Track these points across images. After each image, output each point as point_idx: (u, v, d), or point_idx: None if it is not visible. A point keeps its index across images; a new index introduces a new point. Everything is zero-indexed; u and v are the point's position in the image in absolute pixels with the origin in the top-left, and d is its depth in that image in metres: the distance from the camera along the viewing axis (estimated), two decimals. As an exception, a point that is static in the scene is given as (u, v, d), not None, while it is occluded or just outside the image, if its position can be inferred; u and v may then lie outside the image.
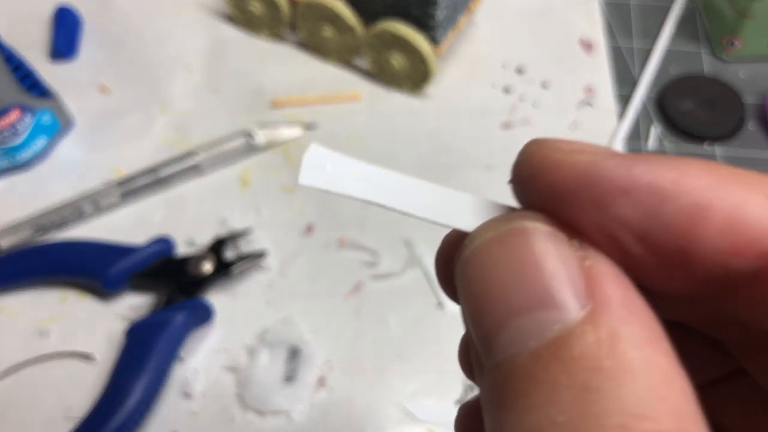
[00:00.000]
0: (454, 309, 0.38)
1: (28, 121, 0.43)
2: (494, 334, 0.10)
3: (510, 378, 0.10)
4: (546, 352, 0.10)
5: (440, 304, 0.39)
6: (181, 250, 0.41)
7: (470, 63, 0.49)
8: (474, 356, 0.11)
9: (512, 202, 0.13)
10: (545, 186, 0.11)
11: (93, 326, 0.38)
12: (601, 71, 0.48)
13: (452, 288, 0.12)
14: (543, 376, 0.10)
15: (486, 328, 0.10)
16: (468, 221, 0.12)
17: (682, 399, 0.09)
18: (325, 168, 0.13)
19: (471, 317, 0.11)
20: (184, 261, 0.39)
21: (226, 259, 0.39)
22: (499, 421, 0.10)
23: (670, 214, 0.10)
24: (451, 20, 0.46)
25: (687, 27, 0.51)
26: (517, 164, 0.12)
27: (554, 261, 0.10)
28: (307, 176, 0.12)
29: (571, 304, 0.10)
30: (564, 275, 0.10)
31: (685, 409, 0.09)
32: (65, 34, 0.50)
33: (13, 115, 0.42)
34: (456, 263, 0.11)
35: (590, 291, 0.10)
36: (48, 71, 0.48)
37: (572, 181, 0.11)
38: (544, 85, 0.48)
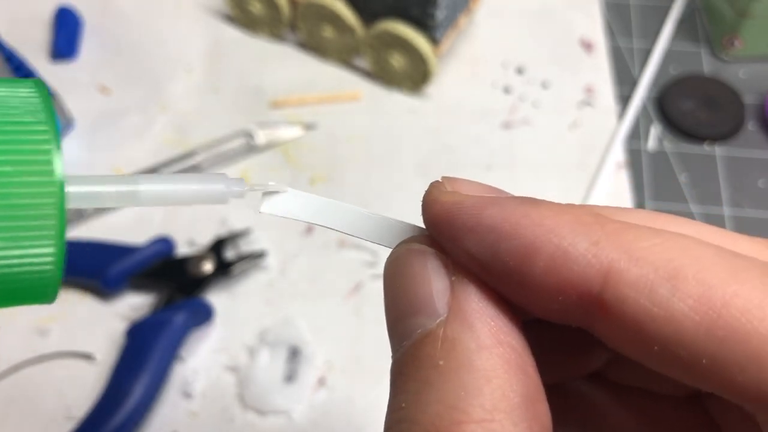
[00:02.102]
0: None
1: (29, 121, 0.43)
2: (390, 335, 0.13)
3: (393, 369, 0.13)
4: (411, 350, 0.12)
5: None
6: (182, 250, 0.41)
7: (470, 63, 0.49)
8: None
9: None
10: (427, 218, 0.14)
11: (93, 326, 0.39)
12: (601, 71, 0.48)
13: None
14: (405, 370, 0.12)
15: (390, 323, 0.13)
16: (388, 240, 0.15)
17: (499, 396, 0.11)
18: (280, 200, 0.16)
19: (385, 311, 0.14)
20: (185, 261, 0.39)
21: (226, 259, 0.39)
22: (390, 390, 0.13)
23: (504, 252, 0.12)
24: (451, 20, 0.46)
25: (687, 27, 0.51)
26: (423, 197, 0.14)
27: (425, 277, 0.13)
28: (266, 207, 0.16)
29: (432, 313, 0.13)
30: (431, 289, 0.13)
31: (501, 404, 0.11)
32: (66, 34, 0.50)
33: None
34: (384, 268, 0.14)
35: (449, 303, 0.13)
36: (48, 71, 0.48)
37: (439, 217, 0.13)
38: (544, 85, 0.48)
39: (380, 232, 0.15)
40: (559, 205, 0.13)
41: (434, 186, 0.14)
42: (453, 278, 0.13)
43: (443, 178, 0.14)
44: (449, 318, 0.12)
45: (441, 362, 0.12)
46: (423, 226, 0.14)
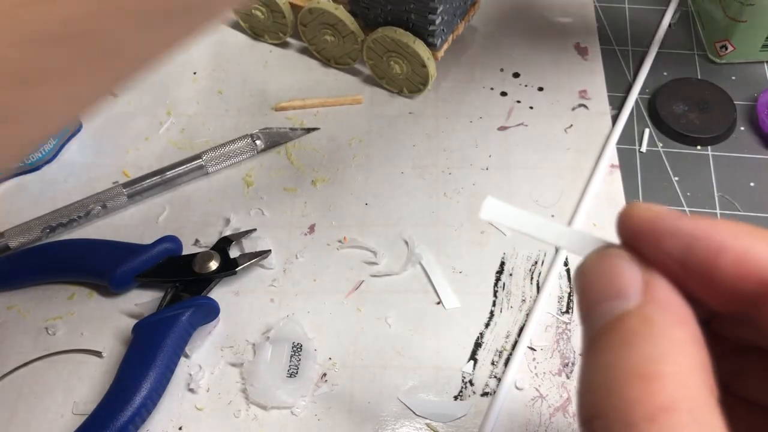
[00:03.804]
0: (452, 306, 0.39)
1: (37, 124, 0.44)
2: (587, 317, 0.17)
3: (592, 339, 0.16)
4: (612, 324, 0.16)
5: (439, 302, 0.39)
6: (187, 249, 0.42)
7: (468, 67, 0.50)
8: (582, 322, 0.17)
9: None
10: (629, 225, 0.17)
11: (101, 323, 0.39)
12: (595, 75, 0.49)
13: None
14: (605, 337, 0.16)
15: (585, 310, 0.17)
16: (584, 249, 0.19)
17: (689, 359, 0.15)
18: (498, 210, 0.20)
19: (579, 303, 0.17)
20: (190, 260, 0.40)
21: (230, 258, 0.40)
22: (585, 359, 0.16)
23: (700, 249, 0.16)
24: (450, 26, 0.47)
25: (680, 31, 0.52)
26: (619, 215, 0.18)
27: (623, 271, 0.17)
28: (485, 214, 0.20)
29: (630, 298, 0.16)
30: (629, 280, 0.16)
31: (691, 364, 0.15)
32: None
33: (23, 119, 0.43)
34: (575, 272, 0.18)
35: (644, 292, 0.16)
36: (56, 75, 0.49)
37: (643, 224, 0.17)
38: (541, 89, 0.49)
39: (576, 243, 0.19)
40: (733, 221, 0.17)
41: (632, 204, 0.18)
42: (647, 273, 0.16)
43: (636, 203, 0.18)
44: (645, 301, 0.16)
45: (641, 329, 0.15)
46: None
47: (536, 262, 0.41)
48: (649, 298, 0.16)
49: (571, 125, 0.47)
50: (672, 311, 0.15)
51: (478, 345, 0.38)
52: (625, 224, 0.17)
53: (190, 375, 0.37)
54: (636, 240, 0.17)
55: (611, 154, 0.45)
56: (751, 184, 0.44)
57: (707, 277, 0.16)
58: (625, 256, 0.17)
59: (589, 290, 0.17)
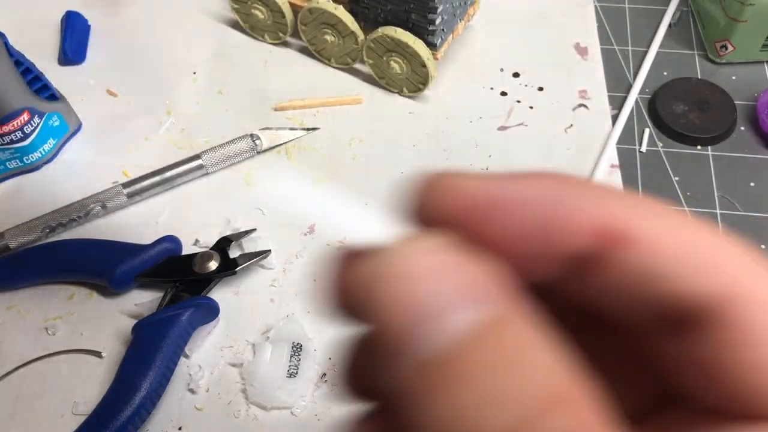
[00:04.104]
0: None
1: (37, 123, 0.44)
2: (409, 340, 0.11)
3: (426, 371, 0.11)
4: (456, 346, 0.11)
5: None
6: (187, 249, 0.42)
7: (468, 67, 0.50)
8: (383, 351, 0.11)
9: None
10: (448, 208, 0.12)
11: (100, 323, 0.39)
12: (595, 74, 0.49)
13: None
14: (455, 363, 0.11)
15: (402, 334, 0.11)
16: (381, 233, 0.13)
17: (561, 362, 0.11)
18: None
19: (383, 325, 0.11)
20: (190, 260, 0.40)
21: (230, 258, 0.40)
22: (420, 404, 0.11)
23: (534, 214, 0.12)
24: (450, 25, 0.47)
25: (680, 31, 0.52)
26: (425, 191, 0.13)
27: (451, 271, 0.11)
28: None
29: (469, 303, 0.11)
30: (461, 281, 0.11)
31: (564, 369, 0.11)
32: (74, 38, 0.51)
33: (22, 118, 0.43)
34: (358, 279, 0.12)
35: (484, 291, 0.11)
36: (57, 75, 0.49)
37: (469, 202, 0.12)
38: (541, 89, 0.49)
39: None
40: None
41: (438, 177, 0.13)
42: (481, 267, 0.11)
43: (437, 175, 0.13)
44: (490, 305, 0.11)
45: (502, 345, 0.10)
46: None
47: (536, 262, 0.41)
48: (494, 300, 0.11)
49: (571, 125, 0.47)
50: (523, 311, 0.11)
51: (478, 345, 0.38)
52: (441, 204, 0.12)
53: (190, 375, 0.37)
54: (460, 220, 0.12)
55: (611, 154, 0.45)
56: (752, 184, 0.44)
57: (541, 238, 0.12)
58: (447, 246, 0.11)
59: (409, 299, 0.11)
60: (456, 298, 0.11)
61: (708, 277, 0.11)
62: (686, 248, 0.11)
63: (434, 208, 0.12)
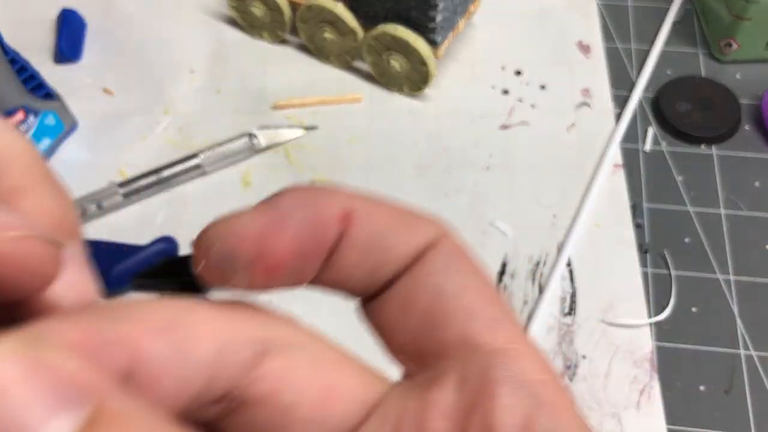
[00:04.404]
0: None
1: (32, 122, 0.44)
2: None
3: None
4: None
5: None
6: (184, 249, 0.41)
7: (469, 65, 0.50)
8: None
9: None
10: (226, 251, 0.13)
11: (96, 325, 0.39)
12: (598, 73, 0.49)
13: None
14: None
15: None
16: None
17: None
18: None
19: None
20: (187, 260, 0.39)
21: (227, 259, 0.40)
22: None
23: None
24: (451, 23, 0.46)
25: (684, 29, 0.52)
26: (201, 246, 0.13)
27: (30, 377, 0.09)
28: None
29: (73, 405, 0.09)
30: (53, 383, 0.09)
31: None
32: (69, 36, 0.51)
33: (17, 117, 0.43)
34: None
35: (83, 388, 0.10)
36: (52, 73, 0.49)
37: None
38: (543, 87, 0.48)
39: None
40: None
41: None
42: (74, 361, 0.10)
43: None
44: (87, 402, 0.09)
45: None
46: None
47: (538, 263, 0.40)
48: (98, 396, 0.09)
49: (574, 124, 0.47)
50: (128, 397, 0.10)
51: (479, 347, 0.37)
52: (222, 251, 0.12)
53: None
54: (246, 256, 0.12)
55: (614, 154, 0.45)
56: (756, 183, 0.44)
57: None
58: (39, 343, 0.10)
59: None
60: (47, 406, 0.09)
61: (409, 234, 0.14)
62: (391, 216, 0.14)
63: (217, 259, 0.13)
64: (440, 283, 0.13)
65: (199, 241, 0.13)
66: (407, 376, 0.14)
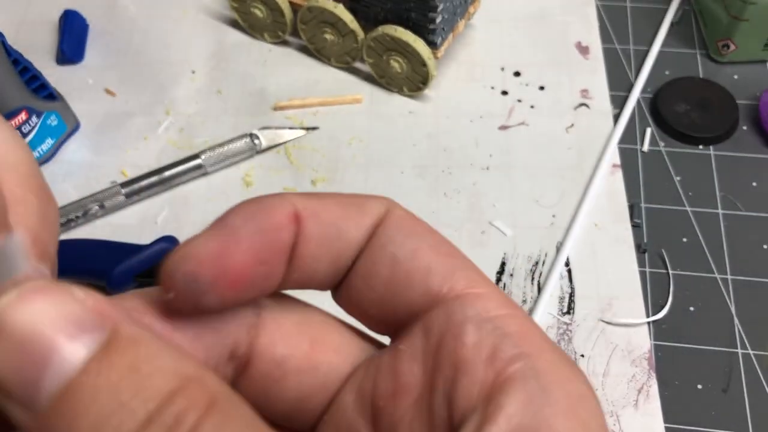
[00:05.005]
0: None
1: (35, 123, 0.44)
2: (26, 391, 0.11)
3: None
4: (87, 371, 0.11)
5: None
6: (185, 249, 0.41)
7: (469, 66, 0.50)
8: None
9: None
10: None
11: (99, 324, 0.39)
12: (597, 74, 0.49)
13: None
14: (97, 375, 0.11)
15: (12, 392, 0.11)
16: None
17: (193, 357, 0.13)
18: None
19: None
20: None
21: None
22: None
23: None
24: (450, 25, 0.47)
25: (682, 30, 0.52)
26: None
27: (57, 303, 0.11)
28: None
29: (91, 330, 0.11)
30: (75, 311, 0.11)
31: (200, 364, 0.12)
32: (72, 37, 0.51)
33: (20, 117, 0.43)
34: None
35: (99, 316, 0.11)
36: (55, 74, 0.49)
37: None
38: (542, 88, 0.49)
39: None
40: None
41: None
42: (90, 297, 0.11)
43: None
44: (99, 330, 0.11)
45: (117, 362, 0.11)
46: None
47: (537, 263, 0.41)
48: (109, 327, 0.11)
49: (573, 124, 0.47)
50: (136, 328, 0.12)
51: (478, 346, 0.38)
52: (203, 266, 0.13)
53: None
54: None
55: (613, 154, 0.45)
56: (754, 183, 0.44)
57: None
58: (53, 284, 0.11)
59: (13, 358, 0.11)
60: (65, 333, 0.11)
61: (358, 217, 0.14)
62: (338, 206, 0.14)
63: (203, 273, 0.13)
64: (394, 250, 0.14)
65: (164, 273, 0.13)
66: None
